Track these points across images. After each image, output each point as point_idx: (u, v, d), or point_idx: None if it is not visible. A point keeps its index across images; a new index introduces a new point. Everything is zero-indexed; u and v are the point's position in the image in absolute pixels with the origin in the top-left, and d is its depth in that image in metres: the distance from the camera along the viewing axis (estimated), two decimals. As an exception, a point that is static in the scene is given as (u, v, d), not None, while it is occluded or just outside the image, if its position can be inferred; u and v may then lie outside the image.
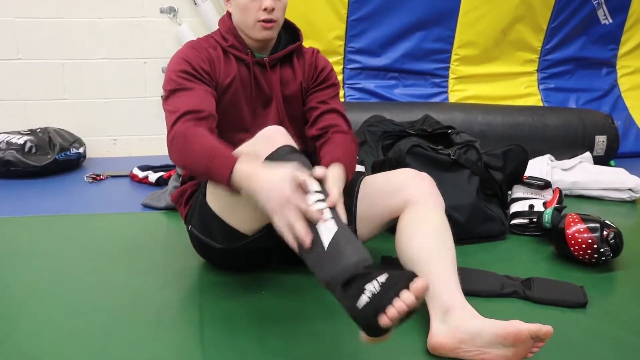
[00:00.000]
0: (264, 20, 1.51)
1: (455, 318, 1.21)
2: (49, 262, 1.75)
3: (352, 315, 1.05)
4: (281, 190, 1.11)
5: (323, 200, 1.15)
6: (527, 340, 1.13)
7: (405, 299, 1.02)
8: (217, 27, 1.66)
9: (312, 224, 1.11)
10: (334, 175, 1.42)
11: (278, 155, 1.25)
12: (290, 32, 1.69)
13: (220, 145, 1.31)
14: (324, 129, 1.62)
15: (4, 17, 3.13)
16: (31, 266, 1.72)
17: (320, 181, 1.18)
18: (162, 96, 1.52)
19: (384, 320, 1.00)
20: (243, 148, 1.33)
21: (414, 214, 1.43)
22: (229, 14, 1.61)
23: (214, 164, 1.25)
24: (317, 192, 1.15)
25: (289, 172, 1.13)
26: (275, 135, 1.30)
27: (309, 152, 1.65)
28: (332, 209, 1.16)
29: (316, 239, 1.10)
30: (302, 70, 1.66)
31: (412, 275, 1.06)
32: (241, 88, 1.58)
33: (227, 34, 1.59)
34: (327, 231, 1.11)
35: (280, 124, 1.49)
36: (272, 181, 1.13)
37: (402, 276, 1.06)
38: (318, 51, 1.73)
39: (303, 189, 1.13)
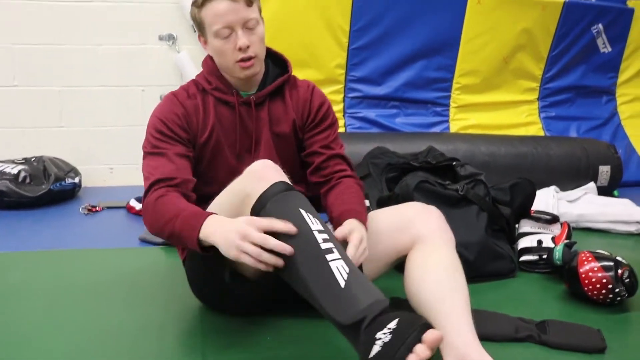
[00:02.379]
0: (242, 60, 1.45)
1: None
2: (42, 301, 1.68)
3: None
4: (231, 239, 1.15)
5: (330, 240, 1.14)
6: None
7: (419, 353, 0.98)
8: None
9: (325, 262, 1.12)
10: (356, 237, 1.32)
11: (272, 194, 1.21)
12: (278, 64, 1.62)
13: (188, 207, 1.31)
14: (329, 175, 1.57)
15: (0, 43, 3.09)
16: (23, 306, 1.65)
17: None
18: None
19: None
20: (230, 187, 1.33)
21: (423, 253, 1.37)
22: (211, 59, 1.56)
23: (184, 230, 1.26)
24: (320, 231, 1.15)
25: (238, 223, 1.17)
26: (264, 171, 1.26)
27: (309, 195, 1.60)
28: (344, 251, 1.16)
29: (330, 276, 1.10)
30: (295, 106, 1.58)
31: (425, 324, 1.03)
32: (223, 135, 1.52)
33: (210, 76, 1.54)
34: (341, 270, 1.10)
35: None
36: (222, 232, 1.18)
37: (413, 323, 1.02)
38: (314, 86, 1.65)
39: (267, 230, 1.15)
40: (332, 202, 1.49)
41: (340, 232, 1.30)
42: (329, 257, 1.12)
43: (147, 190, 1.40)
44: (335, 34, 3.10)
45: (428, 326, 1.04)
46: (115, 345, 1.42)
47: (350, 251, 1.25)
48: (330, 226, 1.37)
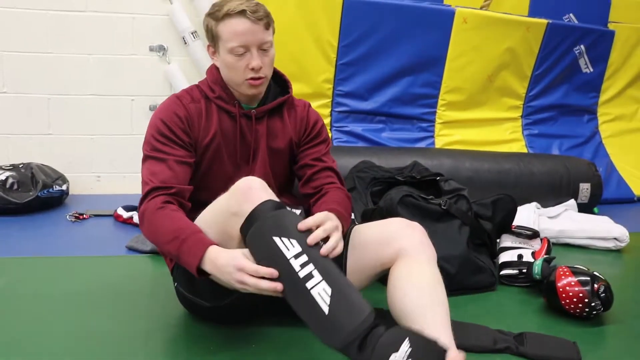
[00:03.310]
0: (252, 78, 1.50)
1: None
2: (27, 308, 1.69)
3: None
4: (228, 272, 1.21)
5: (308, 262, 1.17)
6: None
7: None
8: (206, 68, 1.64)
9: (306, 291, 1.14)
10: (329, 224, 1.32)
11: (262, 212, 1.24)
12: (279, 83, 1.68)
13: (187, 227, 1.34)
14: (319, 187, 1.63)
15: (-9, 50, 3.11)
16: (8, 312, 1.66)
17: (309, 230, 1.24)
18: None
19: None
20: (217, 204, 1.36)
21: (406, 267, 1.40)
22: (216, 68, 1.59)
23: (183, 255, 1.30)
24: (297, 256, 1.17)
25: (233, 257, 1.22)
26: (252, 192, 1.29)
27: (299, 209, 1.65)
28: (325, 263, 1.18)
29: (314, 306, 1.13)
30: (293, 124, 1.65)
31: (442, 350, 1.09)
32: (223, 143, 1.56)
33: (215, 85, 1.57)
34: (323, 295, 1.13)
35: (265, 177, 1.47)
36: (220, 265, 1.24)
37: (430, 349, 1.08)
38: (309, 105, 1.73)
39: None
40: (317, 207, 1.53)
41: (311, 220, 1.27)
42: (309, 284, 1.15)
43: (145, 196, 1.42)
44: (324, 49, 3.14)
45: (445, 351, 1.10)
46: (100, 352, 1.44)
47: (326, 246, 1.24)
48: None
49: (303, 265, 1.16)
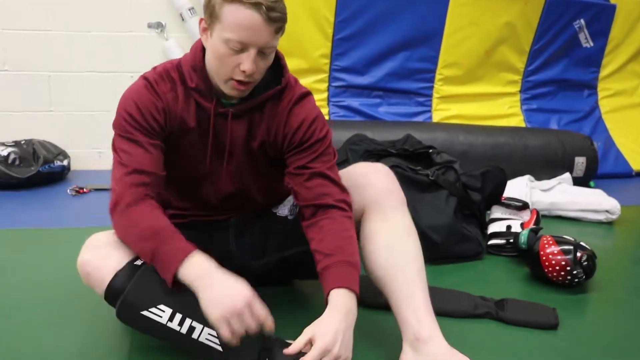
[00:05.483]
0: (239, 81, 1.23)
1: (424, 352, 1.21)
2: (29, 276, 1.75)
3: None
4: (233, 302, 1.10)
5: (184, 318, 1.16)
6: None
7: None
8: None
9: (196, 342, 1.16)
10: (320, 344, 1.11)
11: (116, 291, 1.20)
12: (274, 67, 1.33)
13: (167, 230, 1.19)
14: (310, 200, 1.32)
15: (-9, 28, 3.15)
16: (9, 280, 1.72)
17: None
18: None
19: None
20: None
21: (374, 223, 1.33)
22: (202, 47, 1.30)
23: (160, 255, 1.16)
24: (171, 318, 1.16)
25: (244, 289, 1.12)
26: (91, 276, 1.25)
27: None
28: (198, 307, 1.13)
29: (210, 349, 1.16)
30: (269, 122, 1.35)
31: None
32: (198, 137, 1.34)
33: (193, 72, 1.30)
34: (211, 338, 1.16)
35: (240, 180, 1.40)
36: (227, 290, 1.11)
37: None
38: (301, 99, 1.36)
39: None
40: (314, 247, 1.29)
41: (297, 343, 1.12)
42: (195, 335, 1.16)
43: (120, 180, 1.24)
44: (320, 24, 3.15)
45: None
46: (99, 315, 1.48)
47: None
48: None
49: (181, 323, 1.16)
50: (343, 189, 1.33)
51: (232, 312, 1.09)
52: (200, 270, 1.14)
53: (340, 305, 1.15)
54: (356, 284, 1.20)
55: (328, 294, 1.18)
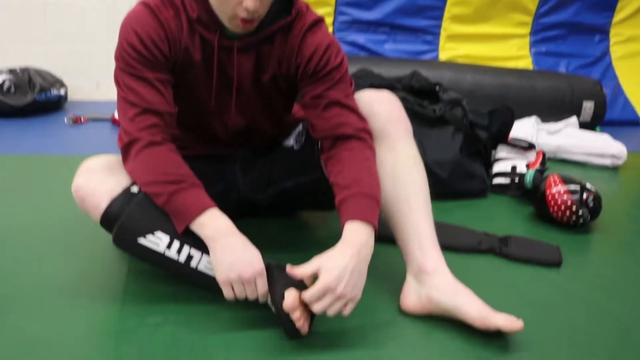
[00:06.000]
0: (243, 19, 1.14)
1: (428, 284, 1.20)
2: (25, 201, 1.73)
3: None
4: (244, 270, 1.08)
5: (182, 245, 1.15)
6: (495, 330, 1.12)
7: None
8: None
9: (194, 271, 1.15)
10: (325, 279, 1.07)
11: (112, 217, 1.17)
12: None
13: (190, 178, 1.15)
14: (327, 131, 1.26)
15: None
16: (6, 206, 1.70)
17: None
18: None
19: None
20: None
21: (379, 152, 1.27)
22: None
23: (177, 201, 1.12)
24: (168, 246, 1.15)
25: (256, 261, 1.10)
26: (86, 201, 1.20)
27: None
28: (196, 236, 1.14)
29: (206, 277, 1.16)
30: (280, 55, 1.28)
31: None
32: (203, 71, 1.26)
33: (196, 3, 1.20)
34: (209, 266, 1.15)
35: (251, 114, 1.35)
36: (240, 257, 1.10)
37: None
38: (313, 26, 1.27)
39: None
40: (332, 180, 1.23)
41: (303, 269, 1.08)
42: (193, 264, 1.15)
43: (132, 120, 1.17)
44: (328, -46, 3.03)
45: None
46: (96, 241, 1.47)
47: (305, 296, 1.06)
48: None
49: (179, 251, 1.14)
50: (361, 117, 1.26)
51: (239, 280, 1.08)
52: (217, 228, 1.11)
53: (354, 239, 1.10)
54: (374, 216, 1.14)
55: (343, 227, 1.13)
